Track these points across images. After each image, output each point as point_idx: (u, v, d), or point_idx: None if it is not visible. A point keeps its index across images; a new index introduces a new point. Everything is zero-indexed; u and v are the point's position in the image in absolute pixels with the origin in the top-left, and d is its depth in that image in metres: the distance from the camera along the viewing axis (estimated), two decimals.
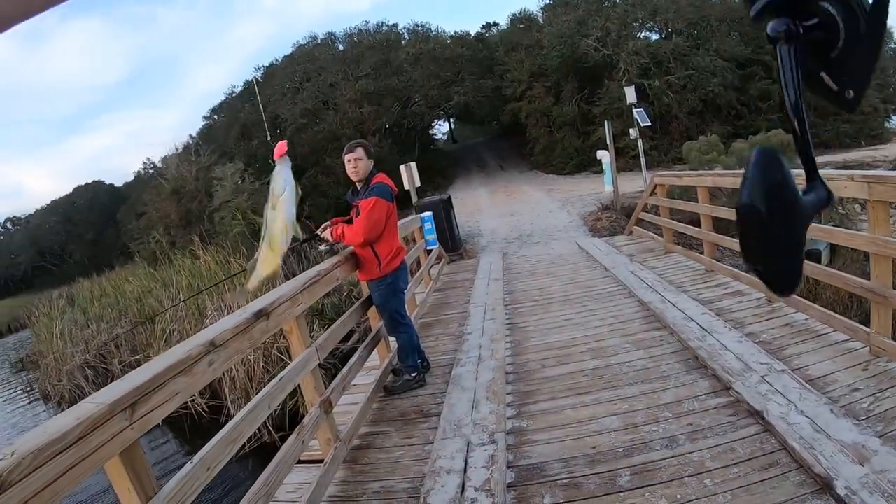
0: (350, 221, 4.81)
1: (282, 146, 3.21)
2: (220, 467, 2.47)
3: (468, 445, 3.77)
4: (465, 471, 3.49)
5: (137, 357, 11.03)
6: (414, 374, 5.13)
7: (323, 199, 23.16)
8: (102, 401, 1.97)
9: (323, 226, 4.86)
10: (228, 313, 9.81)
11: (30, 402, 14.15)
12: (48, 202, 63.20)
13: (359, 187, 4.81)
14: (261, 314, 3.06)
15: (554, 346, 5.65)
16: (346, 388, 4.30)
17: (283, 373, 3.31)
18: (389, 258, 4.78)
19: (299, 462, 3.45)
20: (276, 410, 4.40)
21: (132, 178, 48.78)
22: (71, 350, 12.90)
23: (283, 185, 3.13)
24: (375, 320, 5.33)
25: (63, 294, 19.65)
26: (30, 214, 65.10)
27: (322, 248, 5.03)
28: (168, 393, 2.25)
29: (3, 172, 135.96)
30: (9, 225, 66.94)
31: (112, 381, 8.72)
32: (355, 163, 4.72)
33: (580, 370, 4.88)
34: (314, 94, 30.97)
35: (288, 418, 7.22)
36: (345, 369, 4.33)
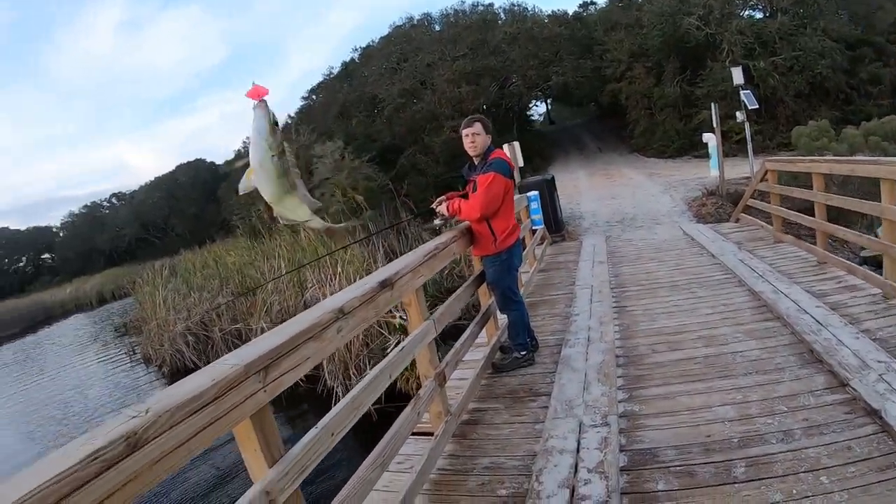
0: (465, 196, 4.76)
1: (258, 89, 2.68)
2: (342, 434, 2.53)
3: (580, 426, 3.72)
4: (577, 451, 3.44)
5: (238, 326, 11.39)
6: (523, 353, 5.09)
7: (421, 178, 23.23)
8: (237, 362, 1.98)
9: (438, 200, 4.85)
10: (329, 286, 10.04)
11: (132, 365, 14.92)
12: (152, 179, 66.35)
13: (476, 162, 4.77)
14: (385, 284, 3.07)
15: (663, 331, 5.51)
16: (458, 362, 4.28)
17: (403, 343, 3.32)
18: (505, 235, 4.73)
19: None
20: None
21: (232, 156, 50.97)
22: (173, 317, 13.46)
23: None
24: (485, 297, 5.32)
25: (166, 265, 20.42)
26: (134, 191, 69.15)
27: (436, 222, 5.00)
28: (299, 357, 2.28)
29: (109, 151, 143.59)
30: (114, 200, 71.61)
31: (212, 348, 9.09)
32: (473, 137, 4.67)
33: (691, 357, 4.74)
34: (411, 74, 30.98)
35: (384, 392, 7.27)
36: (457, 344, 4.34)
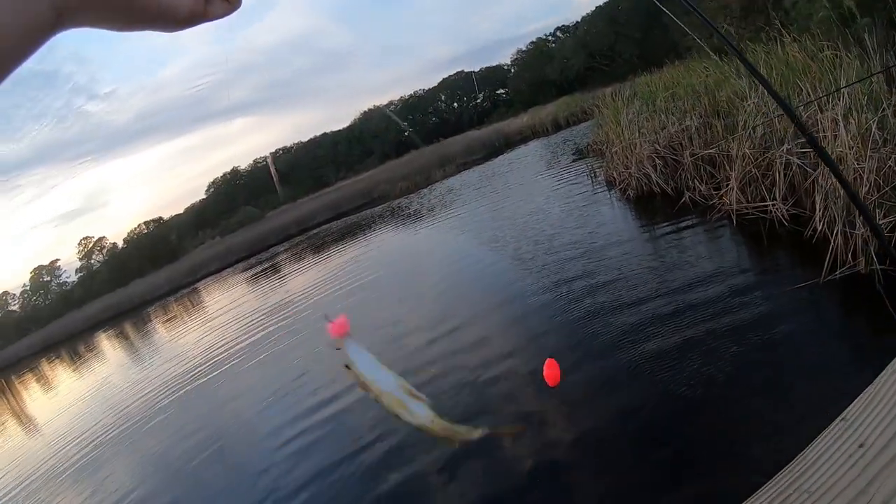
0: None
1: (340, 324, 1.42)
2: None
3: None
4: None
5: (711, 150, 10.37)
6: None
7: None
8: None
9: None
10: (829, 110, 8.28)
11: (593, 187, 15.03)
12: (592, 9, 68.41)
13: None
14: None
15: None
16: None
17: None
18: None
19: None
20: None
21: None
22: (639, 140, 12.86)
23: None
24: None
25: (622, 89, 19.92)
26: (577, 22, 74.04)
27: None
28: None
29: None
30: (559, 34, 78.32)
31: (682, 174, 8.21)
32: None
33: None
34: None
35: None
36: None
